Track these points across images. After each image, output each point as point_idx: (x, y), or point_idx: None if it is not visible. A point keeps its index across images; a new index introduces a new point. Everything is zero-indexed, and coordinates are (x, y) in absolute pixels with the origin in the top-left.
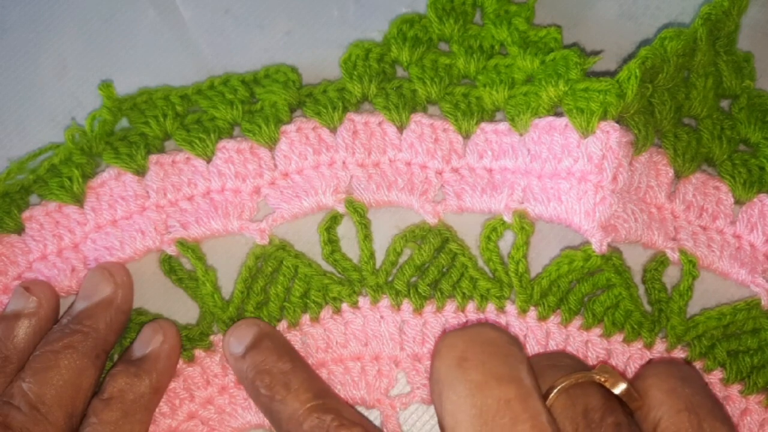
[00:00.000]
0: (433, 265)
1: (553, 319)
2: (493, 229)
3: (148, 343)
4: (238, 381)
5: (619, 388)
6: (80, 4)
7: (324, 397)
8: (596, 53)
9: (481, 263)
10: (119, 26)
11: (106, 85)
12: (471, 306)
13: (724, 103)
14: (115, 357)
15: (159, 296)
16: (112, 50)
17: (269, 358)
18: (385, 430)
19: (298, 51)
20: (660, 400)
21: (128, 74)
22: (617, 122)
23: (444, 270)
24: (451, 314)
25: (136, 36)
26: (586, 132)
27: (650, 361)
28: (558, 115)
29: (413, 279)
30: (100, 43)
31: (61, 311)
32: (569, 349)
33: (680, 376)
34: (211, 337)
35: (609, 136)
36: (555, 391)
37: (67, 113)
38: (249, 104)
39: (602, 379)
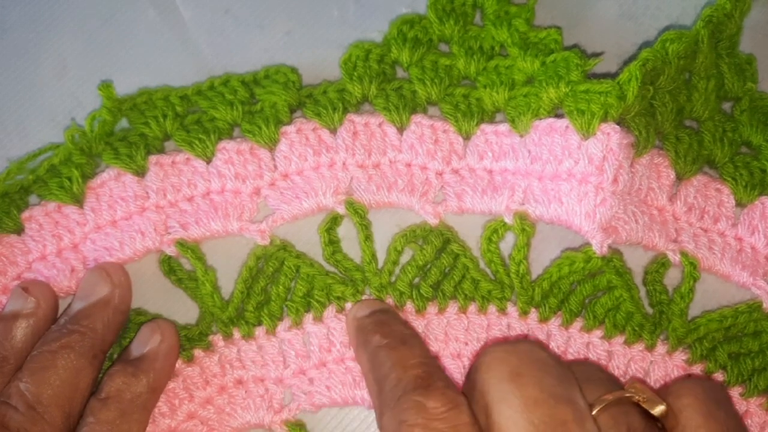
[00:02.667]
0: (434, 266)
1: (554, 321)
2: (494, 231)
3: (146, 342)
4: (353, 336)
5: (658, 410)
6: (80, 4)
7: (436, 363)
8: (597, 54)
9: (482, 265)
10: (119, 26)
11: (105, 86)
12: (473, 307)
13: (726, 106)
14: (114, 357)
15: (158, 296)
16: (112, 50)
17: (395, 320)
18: None
19: (298, 51)
20: (697, 424)
21: (128, 74)
22: (618, 124)
23: (446, 271)
24: (453, 316)
25: (136, 36)
26: (586, 133)
27: (682, 377)
28: (558, 116)
29: (415, 280)
30: (100, 43)
31: (61, 312)
32: (570, 351)
33: (715, 399)
34: (211, 337)
35: (610, 137)
36: (597, 409)
37: (67, 113)
38: (249, 105)
39: (641, 399)
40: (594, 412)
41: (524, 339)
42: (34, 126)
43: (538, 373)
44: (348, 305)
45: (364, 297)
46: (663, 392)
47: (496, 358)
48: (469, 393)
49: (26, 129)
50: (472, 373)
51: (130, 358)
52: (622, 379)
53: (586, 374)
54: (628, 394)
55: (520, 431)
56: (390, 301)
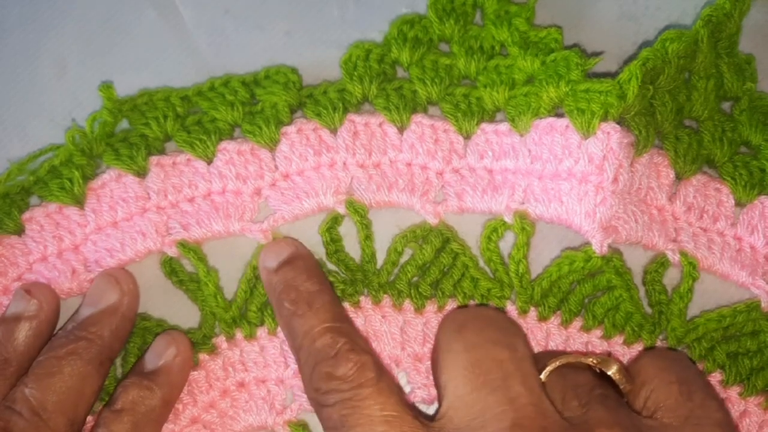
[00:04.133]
0: (434, 265)
1: (554, 320)
2: (494, 230)
3: (161, 355)
4: (268, 295)
5: (611, 369)
6: (80, 4)
7: (342, 322)
8: (597, 54)
9: (482, 264)
10: (119, 26)
11: (106, 87)
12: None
13: (726, 106)
14: (118, 363)
15: (160, 298)
16: (112, 50)
17: (299, 277)
18: None
19: (298, 51)
20: (652, 375)
21: (128, 74)
22: (618, 123)
23: (445, 270)
24: None
25: (136, 36)
26: (587, 133)
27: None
28: (559, 115)
29: (414, 279)
30: (100, 43)
31: (61, 313)
32: (569, 350)
33: (672, 357)
34: (214, 340)
35: (610, 137)
36: (547, 368)
37: (67, 113)
38: (249, 105)
39: (594, 362)
40: (545, 371)
41: (483, 305)
42: (34, 126)
43: (481, 324)
44: (345, 305)
45: (362, 298)
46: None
47: (447, 318)
48: (431, 356)
49: (26, 129)
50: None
51: (145, 371)
52: None
53: (549, 354)
54: (580, 358)
55: (459, 371)
56: (388, 300)
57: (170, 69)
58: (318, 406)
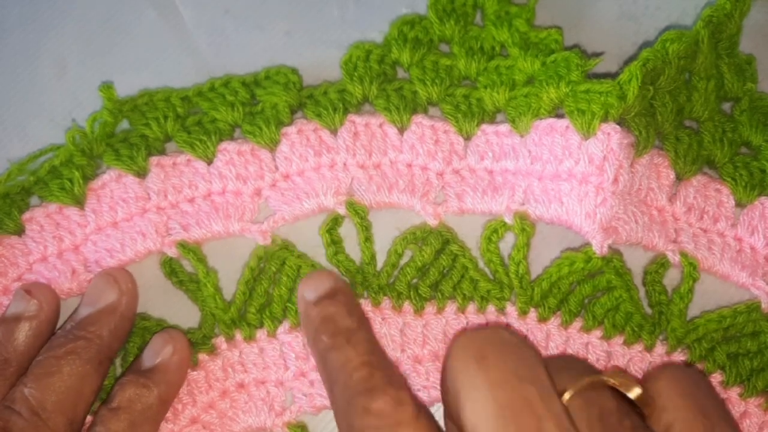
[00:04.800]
0: (433, 266)
1: (554, 321)
2: (494, 231)
3: (158, 353)
4: (303, 327)
5: (633, 393)
6: (80, 4)
7: (379, 357)
8: (597, 55)
9: (481, 264)
10: (119, 26)
11: (106, 87)
12: (471, 307)
13: (726, 106)
14: (117, 363)
15: (160, 299)
16: (112, 50)
17: (339, 311)
18: None
19: (298, 51)
20: (674, 404)
21: (128, 74)
22: (618, 124)
23: (445, 271)
24: (451, 315)
25: (136, 36)
26: (587, 134)
27: (658, 365)
28: (559, 116)
29: (414, 280)
30: (100, 43)
31: (61, 313)
32: (569, 351)
33: (692, 381)
34: (213, 340)
35: (610, 137)
36: (570, 392)
37: (67, 113)
38: (250, 106)
39: (616, 383)
40: (567, 397)
41: (495, 325)
42: (34, 126)
43: (502, 354)
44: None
45: (361, 300)
46: (641, 378)
47: (461, 344)
48: (442, 383)
49: (26, 129)
50: (443, 363)
51: (142, 369)
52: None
53: (561, 364)
54: (602, 378)
55: (487, 412)
56: (388, 302)
57: (170, 69)
58: None
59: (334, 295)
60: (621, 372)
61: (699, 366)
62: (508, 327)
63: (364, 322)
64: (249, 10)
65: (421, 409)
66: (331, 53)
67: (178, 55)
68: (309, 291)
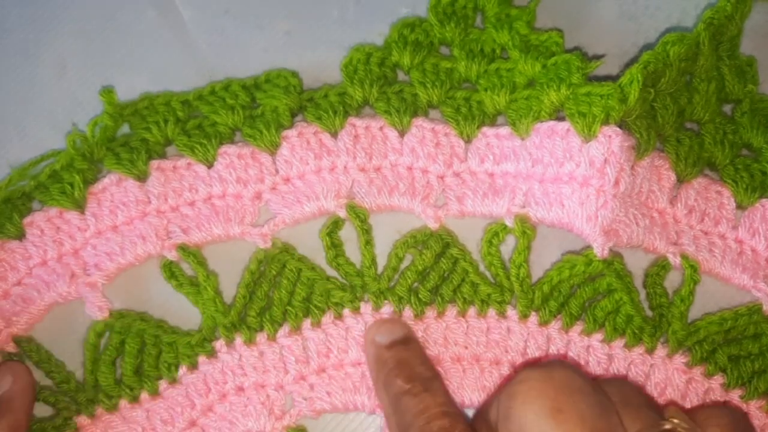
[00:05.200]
0: (434, 270)
1: (554, 324)
2: (495, 234)
3: None
4: (373, 369)
5: None
6: (80, 4)
7: (457, 409)
8: (598, 57)
9: (482, 268)
10: (119, 26)
11: (107, 91)
12: (472, 311)
13: (727, 108)
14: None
15: (160, 302)
16: (112, 50)
17: (414, 359)
18: None
19: (298, 51)
20: None
21: (128, 74)
22: (619, 126)
23: (445, 275)
24: (452, 320)
25: (136, 36)
26: (588, 136)
27: (711, 405)
28: (559, 119)
29: (414, 284)
30: (100, 43)
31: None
32: (570, 354)
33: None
34: (213, 343)
35: (611, 140)
36: None
37: (67, 114)
38: (250, 109)
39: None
40: None
41: (558, 363)
42: (34, 126)
43: (579, 406)
44: (346, 311)
45: (362, 304)
46: (692, 418)
47: (533, 389)
48: (502, 421)
49: (26, 129)
50: (506, 400)
51: None
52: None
53: (625, 397)
54: (669, 427)
55: None
56: (388, 307)
57: (170, 69)
58: None
59: (408, 342)
60: (678, 410)
61: (699, 368)
62: (575, 367)
63: (437, 374)
64: (249, 10)
65: None
66: (330, 53)
67: (178, 55)
68: (382, 335)
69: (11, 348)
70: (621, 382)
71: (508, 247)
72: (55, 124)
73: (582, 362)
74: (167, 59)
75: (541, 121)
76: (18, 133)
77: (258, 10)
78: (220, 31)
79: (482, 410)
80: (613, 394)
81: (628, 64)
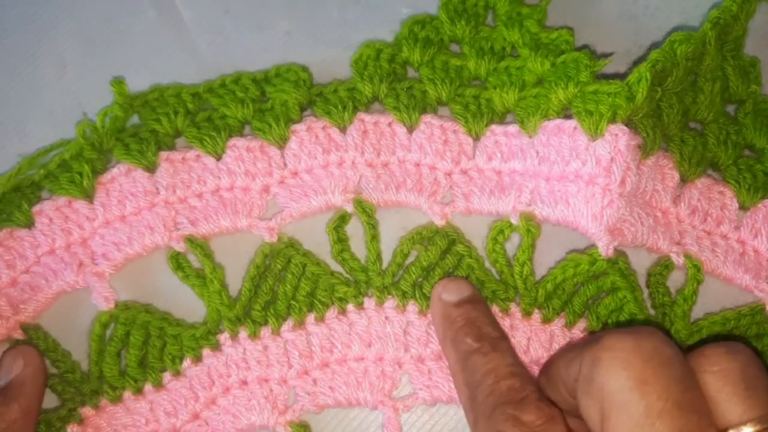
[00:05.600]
0: (439, 266)
1: (558, 322)
2: (500, 231)
3: (10, 370)
4: (440, 327)
5: None
6: (80, 4)
7: (527, 372)
8: (606, 55)
9: (487, 265)
10: (119, 26)
11: (117, 82)
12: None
13: (730, 108)
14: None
15: (166, 293)
16: (112, 50)
17: (482, 318)
18: (387, 430)
19: (298, 51)
20: None
21: (128, 74)
22: (626, 125)
23: (450, 271)
24: None
25: (136, 36)
26: (594, 135)
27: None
28: (568, 117)
29: (419, 280)
30: (100, 43)
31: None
32: None
33: None
34: (218, 336)
35: (618, 139)
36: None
37: (67, 113)
38: (259, 103)
39: None
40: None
41: (648, 331)
42: (34, 126)
43: (663, 380)
44: (349, 307)
45: (365, 299)
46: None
47: (620, 358)
48: (583, 383)
49: (26, 129)
50: (589, 364)
51: None
52: None
53: (746, 377)
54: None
55: None
56: (392, 301)
57: (170, 69)
58: None
59: (476, 302)
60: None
61: None
62: (665, 337)
63: (505, 334)
64: (249, 10)
65: (570, 431)
66: (331, 53)
67: (178, 55)
68: (449, 294)
69: (19, 335)
70: (746, 358)
71: (514, 244)
72: (55, 124)
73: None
74: (167, 59)
75: (549, 119)
76: (18, 133)
77: (258, 10)
78: (220, 31)
79: (554, 365)
80: (734, 370)
81: (636, 63)
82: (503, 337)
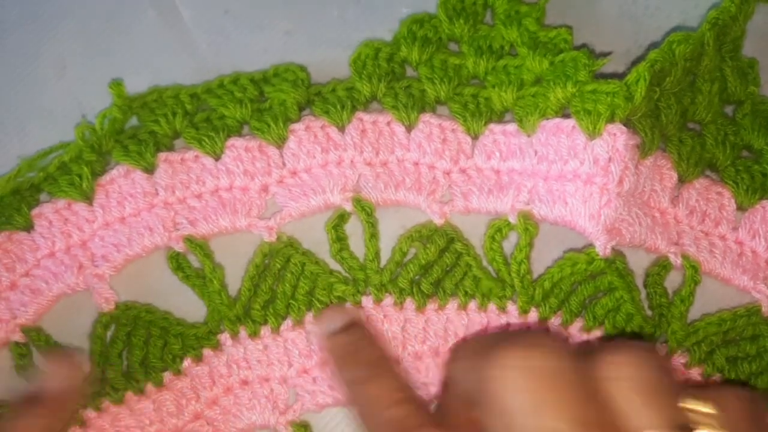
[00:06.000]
0: (437, 264)
1: (554, 321)
2: (498, 230)
3: (60, 377)
4: (323, 360)
5: None
6: (80, 4)
7: (412, 392)
8: (605, 54)
9: (485, 263)
10: (119, 26)
11: (116, 84)
12: (473, 305)
13: (728, 109)
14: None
15: (166, 294)
16: (112, 50)
17: (361, 342)
18: None
19: (298, 51)
20: None
21: (128, 74)
22: (624, 125)
23: (448, 269)
24: (452, 312)
25: (136, 36)
26: (592, 134)
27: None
28: (566, 116)
29: (417, 277)
30: (100, 43)
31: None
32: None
33: None
34: (219, 336)
35: (616, 138)
36: None
37: (67, 113)
38: (258, 103)
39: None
40: None
41: (539, 339)
42: (34, 126)
43: (562, 396)
44: (348, 305)
45: (363, 297)
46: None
47: (512, 379)
48: (483, 405)
49: (26, 129)
50: (483, 382)
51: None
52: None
53: (643, 381)
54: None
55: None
56: (389, 299)
57: (170, 69)
58: None
59: (353, 327)
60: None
61: (698, 369)
62: (553, 341)
63: (385, 355)
64: (249, 10)
65: None
66: (331, 53)
67: (178, 55)
68: (322, 326)
69: (19, 338)
70: (642, 358)
71: (512, 244)
72: (55, 124)
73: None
74: (167, 59)
75: (548, 119)
76: (18, 133)
77: (258, 10)
78: (220, 31)
79: (456, 368)
80: (630, 375)
81: (635, 63)
82: (384, 357)
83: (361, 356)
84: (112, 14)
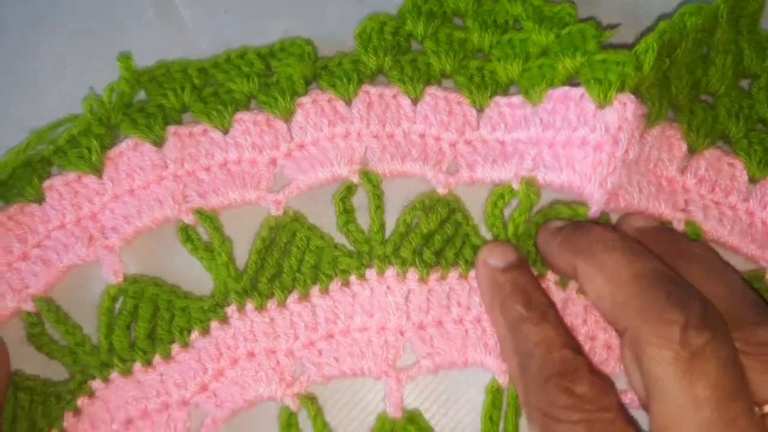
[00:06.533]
0: (438, 233)
1: (550, 277)
2: (500, 196)
3: None
4: (486, 292)
5: None
6: (80, 4)
7: (578, 343)
8: (612, 27)
9: (484, 232)
10: (119, 26)
11: (124, 57)
12: (474, 273)
13: (744, 83)
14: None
15: (174, 266)
16: (111, 50)
17: (531, 285)
18: (389, 401)
19: None
20: None
21: None
22: (633, 94)
23: (448, 239)
24: (454, 281)
25: (136, 36)
26: (603, 103)
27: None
28: (572, 86)
29: (419, 247)
30: (100, 43)
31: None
32: (567, 311)
33: None
34: (226, 309)
35: (626, 107)
36: None
37: (67, 113)
38: (265, 77)
39: None
40: None
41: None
42: (34, 126)
43: (713, 370)
44: (352, 278)
45: (367, 270)
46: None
47: (666, 351)
48: (628, 356)
49: (26, 129)
50: (632, 341)
51: None
52: None
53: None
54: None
55: (691, 427)
56: (392, 270)
57: None
58: (547, 418)
59: (522, 267)
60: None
61: None
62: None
63: (552, 302)
64: (249, 10)
65: (622, 404)
66: (330, 53)
67: (178, 55)
68: (495, 258)
69: (31, 307)
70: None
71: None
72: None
73: (580, 321)
74: (167, 59)
75: (555, 88)
76: (18, 134)
77: (258, 10)
78: (220, 31)
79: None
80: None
81: (644, 33)
82: (551, 306)
83: (533, 298)
84: (111, 14)
